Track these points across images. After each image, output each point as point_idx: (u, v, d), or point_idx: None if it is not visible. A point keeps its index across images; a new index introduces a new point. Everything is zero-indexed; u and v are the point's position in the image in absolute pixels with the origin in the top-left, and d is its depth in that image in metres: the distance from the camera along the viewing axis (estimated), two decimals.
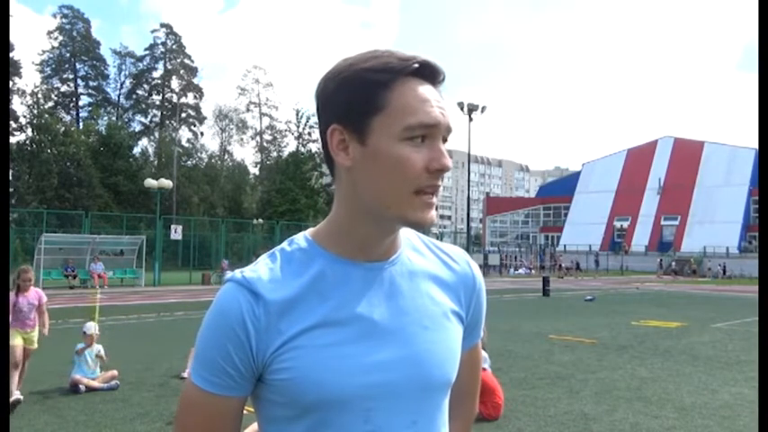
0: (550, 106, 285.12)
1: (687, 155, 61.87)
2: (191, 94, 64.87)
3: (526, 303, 19.94)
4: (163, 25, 65.58)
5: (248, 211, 56.53)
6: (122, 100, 63.50)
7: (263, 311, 0.92)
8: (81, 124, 56.60)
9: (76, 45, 58.48)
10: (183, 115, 63.23)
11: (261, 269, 0.96)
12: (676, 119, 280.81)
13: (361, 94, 0.91)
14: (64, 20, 58.10)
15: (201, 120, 64.94)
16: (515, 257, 51.96)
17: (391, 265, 1.00)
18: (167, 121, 63.45)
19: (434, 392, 0.99)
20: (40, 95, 48.93)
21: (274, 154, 65.85)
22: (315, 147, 58.47)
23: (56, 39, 58.13)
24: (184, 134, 63.64)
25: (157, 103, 64.35)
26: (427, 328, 0.98)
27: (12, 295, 6.42)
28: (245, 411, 0.97)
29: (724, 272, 46.74)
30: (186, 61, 64.12)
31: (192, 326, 8.79)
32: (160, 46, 63.17)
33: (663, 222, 61.14)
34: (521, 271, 46.54)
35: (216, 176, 59.44)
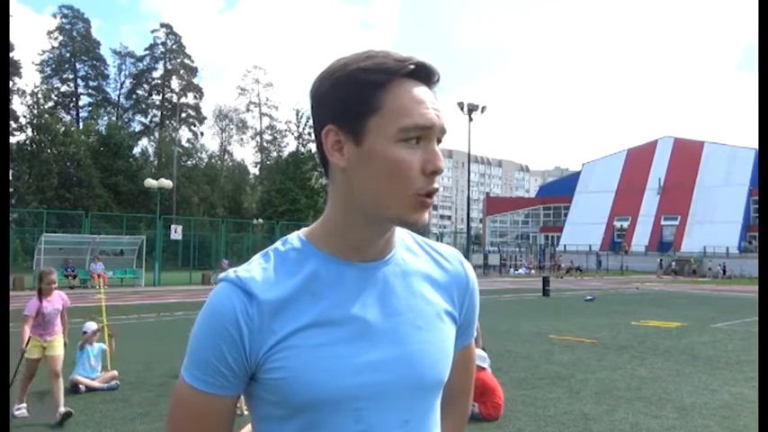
0: (550, 106, 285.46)
1: (687, 155, 61.85)
2: (191, 94, 64.87)
3: (526, 303, 19.95)
4: (163, 25, 65.60)
5: (248, 211, 56.49)
6: (122, 100, 63.49)
7: (257, 311, 0.92)
8: (81, 124, 56.54)
9: (76, 45, 58.42)
10: (183, 115, 63.21)
11: (254, 269, 0.96)
12: (676, 119, 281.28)
13: (357, 95, 0.91)
14: (64, 20, 58.09)
15: (201, 120, 64.93)
16: (515, 257, 51.96)
17: (385, 265, 1.00)
18: (167, 121, 63.43)
19: (427, 392, 0.99)
20: (40, 95, 48.81)
21: (274, 154, 65.76)
22: (315, 147, 57.84)
23: (56, 39, 58.10)
24: (184, 134, 63.72)
25: (157, 103, 64.32)
26: (420, 328, 0.98)
27: (34, 301, 5.80)
28: (244, 412, 0.97)
29: (724, 272, 46.72)
30: (186, 61, 64.10)
31: (191, 326, 8.70)
32: (160, 46, 63.13)
33: (663, 222, 61.10)
34: (521, 271, 46.56)
35: (216, 176, 59.42)
